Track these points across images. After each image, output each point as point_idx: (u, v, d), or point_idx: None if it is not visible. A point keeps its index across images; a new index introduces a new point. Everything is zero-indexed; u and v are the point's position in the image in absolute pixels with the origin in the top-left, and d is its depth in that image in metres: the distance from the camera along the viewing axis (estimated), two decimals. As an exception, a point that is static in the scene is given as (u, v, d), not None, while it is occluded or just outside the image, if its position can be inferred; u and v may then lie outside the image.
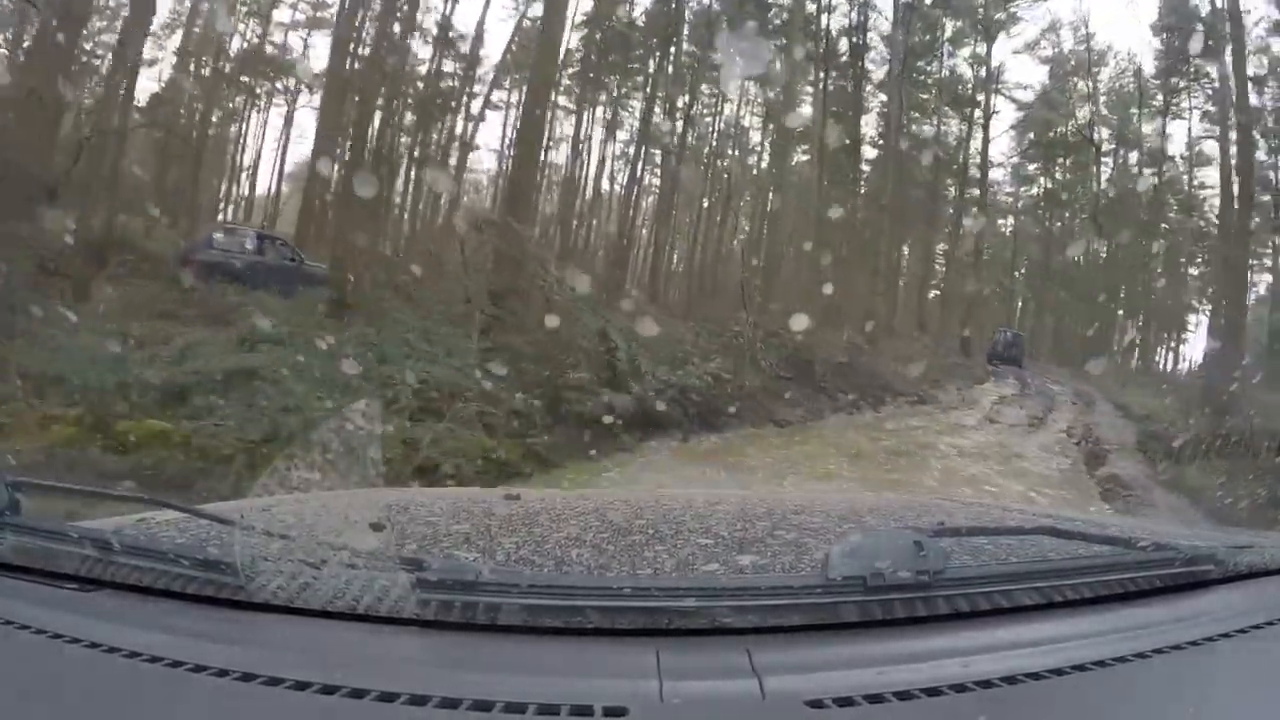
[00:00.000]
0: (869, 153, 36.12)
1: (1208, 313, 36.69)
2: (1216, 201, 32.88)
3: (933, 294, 41.16)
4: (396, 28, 25.45)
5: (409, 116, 31.30)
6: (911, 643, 1.24)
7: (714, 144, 37.40)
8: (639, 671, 1.12)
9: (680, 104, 34.19)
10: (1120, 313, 38.21)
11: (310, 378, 10.91)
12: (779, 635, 1.23)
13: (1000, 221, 39.64)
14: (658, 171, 35.91)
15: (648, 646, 1.18)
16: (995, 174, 39.00)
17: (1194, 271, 37.21)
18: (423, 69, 31.55)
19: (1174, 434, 16.51)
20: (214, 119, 32.35)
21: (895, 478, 12.76)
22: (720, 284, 33.44)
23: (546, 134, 29.59)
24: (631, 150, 34.95)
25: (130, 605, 1.34)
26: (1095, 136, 35.60)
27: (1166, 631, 1.30)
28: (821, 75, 33.69)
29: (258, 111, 33.25)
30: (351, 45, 24.45)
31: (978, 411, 22.07)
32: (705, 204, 38.19)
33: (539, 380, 13.07)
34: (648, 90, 33.97)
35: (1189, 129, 34.54)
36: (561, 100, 33.34)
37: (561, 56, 27.43)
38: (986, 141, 37.02)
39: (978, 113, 37.10)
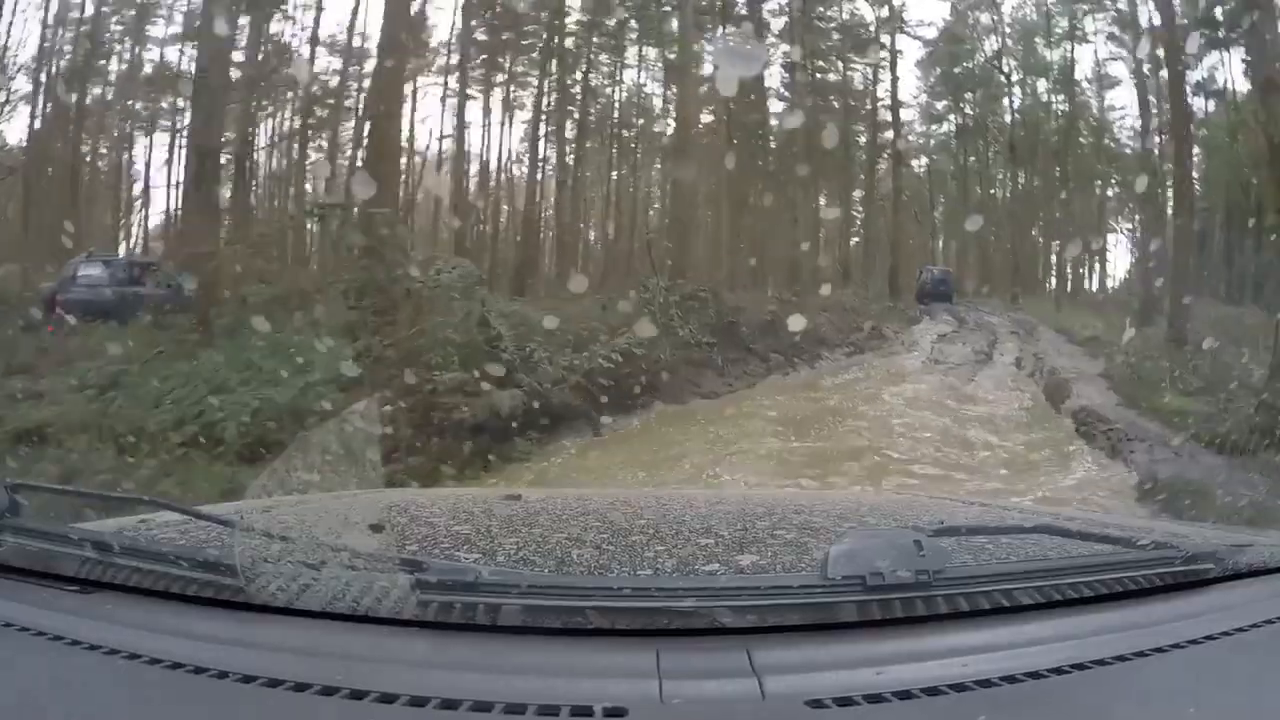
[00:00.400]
0: (776, 106, 35.35)
1: (1126, 231, 37.50)
2: (1126, 122, 33.92)
3: (854, 241, 40.59)
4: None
5: (289, 120, 30.26)
6: (911, 642, 1.24)
7: (616, 114, 36.18)
8: (639, 672, 1.12)
9: (578, 75, 33.31)
10: (1040, 240, 38.48)
11: (109, 431, 9.69)
12: (779, 635, 1.23)
13: (914, 162, 39.32)
14: (567, 149, 34.78)
15: (648, 647, 1.17)
16: (905, 114, 38.28)
17: (1109, 193, 37.27)
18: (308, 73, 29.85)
19: (1130, 355, 16.74)
20: (101, 148, 30.36)
21: (850, 444, 11.44)
22: (637, 256, 32.00)
23: (415, 111, 28.57)
24: (539, 130, 33.79)
25: (130, 607, 1.33)
26: (1004, 67, 35.49)
27: (1166, 630, 1.30)
28: (720, 31, 32.66)
29: (144, 134, 30.59)
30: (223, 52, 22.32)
31: (919, 354, 21.20)
32: (615, 176, 37.13)
33: (405, 389, 10.93)
34: (542, 64, 32.88)
35: (1095, 52, 34.28)
36: (458, 85, 32.11)
37: (414, 17, 25.64)
38: (895, 82, 36.30)
39: (883, 54, 36.36)
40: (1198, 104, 28.61)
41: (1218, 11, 27.06)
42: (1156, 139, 30.99)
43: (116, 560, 1.38)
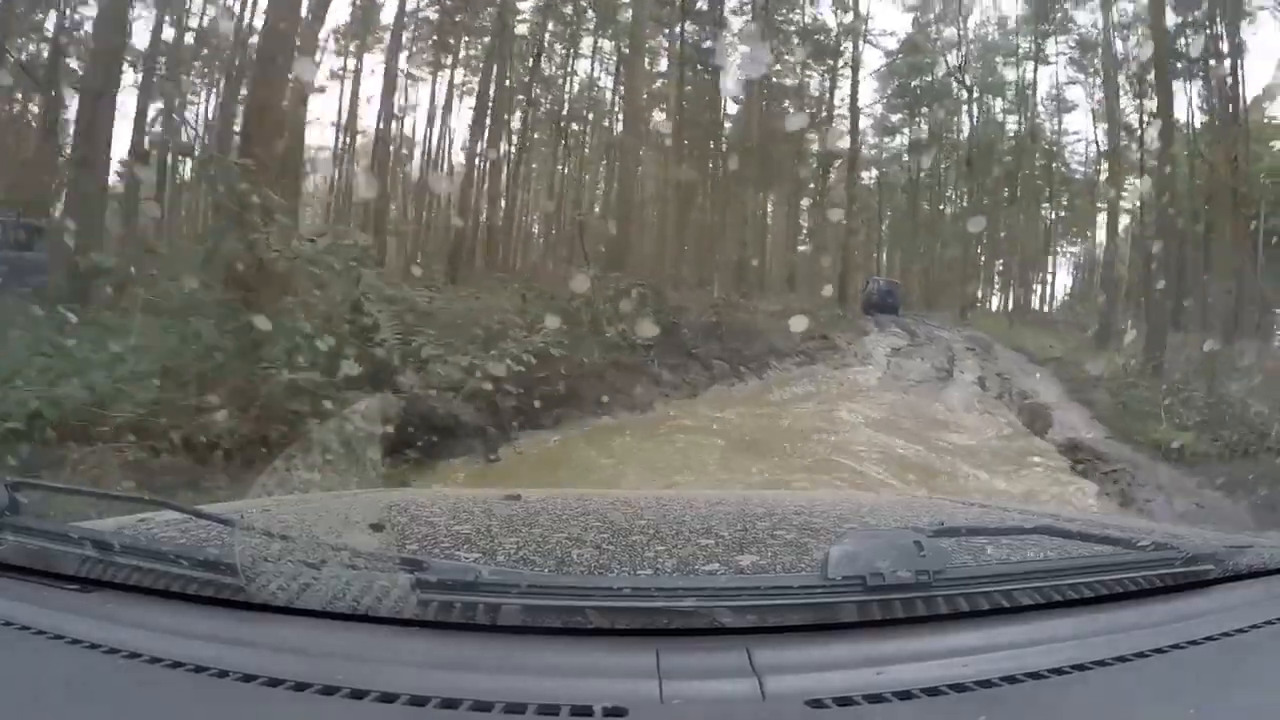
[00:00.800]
0: (731, 108, 35.32)
1: (1069, 254, 39.32)
2: (1079, 146, 35.45)
3: (801, 248, 40.82)
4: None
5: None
6: (911, 642, 1.24)
7: (567, 105, 35.71)
8: (639, 672, 1.12)
9: (529, 63, 32.47)
10: (985, 257, 39.10)
11: None
12: (779, 635, 1.23)
13: (864, 173, 39.43)
14: (512, 136, 34.04)
15: (648, 647, 1.18)
16: (860, 124, 38.40)
17: (1054, 215, 38.22)
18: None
19: (1106, 381, 16.04)
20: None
21: (815, 477, 9.73)
22: (579, 248, 31.17)
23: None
24: (485, 115, 32.78)
25: (131, 606, 1.34)
26: (965, 82, 35.72)
27: (1166, 631, 1.30)
28: (679, 27, 32.43)
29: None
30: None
31: (874, 367, 20.33)
32: (565, 169, 36.63)
33: (243, 387, 8.49)
34: (491, 49, 31.54)
35: (1056, 75, 34.91)
36: (410, 68, 32.03)
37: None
38: (855, 88, 36.24)
39: (842, 62, 36.49)
40: (1152, 133, 28.57)
41: (1181, 44, 27.08)
42: (1103, 164, 32.95)
43: (117, 559, 1.38)
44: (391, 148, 31.85)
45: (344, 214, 29.44)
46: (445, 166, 33.93)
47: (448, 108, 32.70)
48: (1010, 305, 38.20)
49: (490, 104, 30.90)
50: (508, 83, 30.82)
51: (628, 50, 28.89)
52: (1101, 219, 34.79)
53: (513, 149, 32.56)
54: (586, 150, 35.78)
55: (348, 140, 30.91)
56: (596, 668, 1.16)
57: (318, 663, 1.14)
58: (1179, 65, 27.20)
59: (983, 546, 1.64)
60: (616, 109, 34.10)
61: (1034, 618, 1.33)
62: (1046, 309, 37.68)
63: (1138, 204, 27.51)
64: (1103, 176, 33.79)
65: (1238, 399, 12.07)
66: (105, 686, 1.12)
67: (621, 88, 32.37)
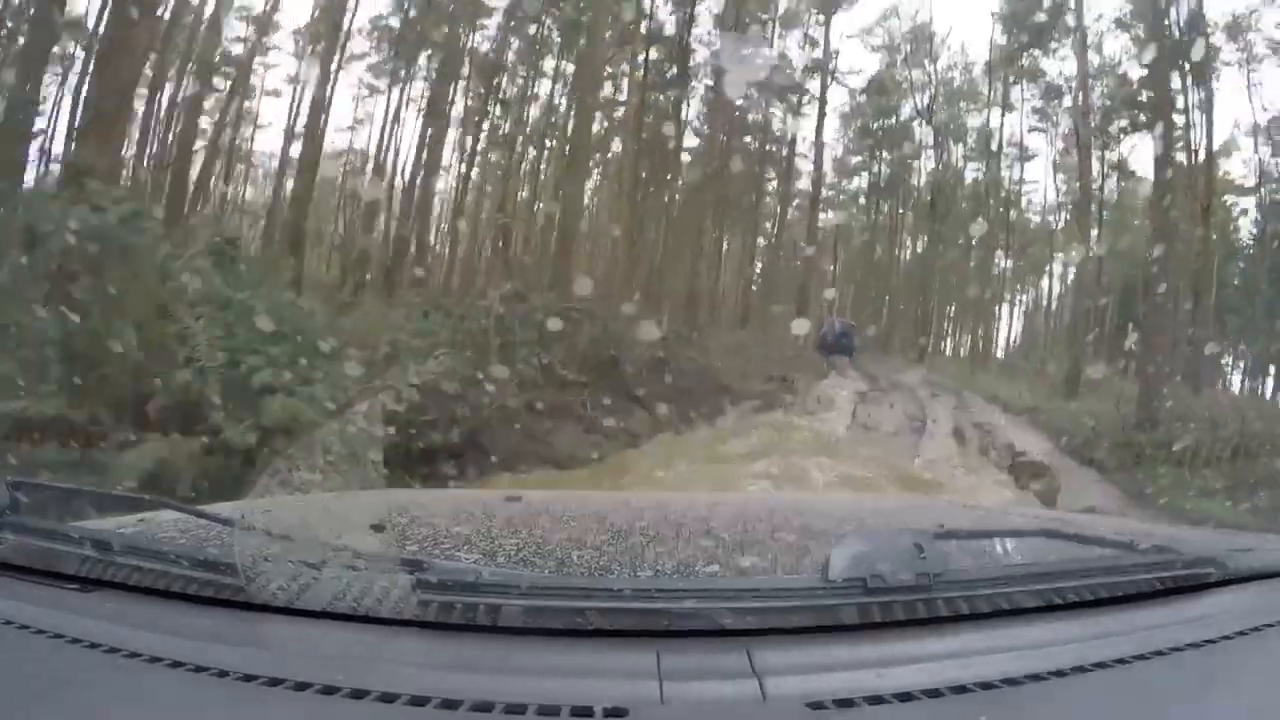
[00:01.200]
0: (691, 141, 34.15)
1: (1021, 301, 38.67)
2: (1036, 196, 35.28)
3: (754, 287, 39.62)
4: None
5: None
6: (912, 644, 1.25)
7: (526, 125, 33.68)
8: (639, 672, 1.13)
9: (494, 82, 31.21)
10: (938, 302, 38.64)
11: None
12: (779, 637, 1.24)
13: (823, 214, 38.43)
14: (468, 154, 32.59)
15: (648, 648, 1.18)
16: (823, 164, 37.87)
17: (1010, 264, 37.47)
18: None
19: (1105, 436, 14.59)
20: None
21: None
22: (521, 268, 29.15)
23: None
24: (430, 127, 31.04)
25: (131, 605, 1.34)
26: (926, 125, 35.29)
27: (1167, 633, 1.31)
28: (642, 54, 31.41)
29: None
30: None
31: (839, 415, 18.07)
32: (522, 194, 34.61)
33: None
34: (454, 63, 30.32)
35: (1020, 122, 34.47)
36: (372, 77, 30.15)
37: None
38: (821, 126, 34.98)
39: (807, 98, 35.33)
40: (1110, 184, 29.77)
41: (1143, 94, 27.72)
42: (1060, 213, 33.38)
43: (117, 558, 1.38)
44: (338, 159, 30.55)
45: (274, 225, 27.70)
46: (393, 180, 31.99)
47: (397, 120, 30.89)
48: (967, 350, 37.99)
49: (441, 119, 29.83)
50: (461, 99, 30.15)
51: (581, 66, 28.45)
52: (1058, 268, 35.75)
53: (463, 166, 31.41)
54: (542, 173, 34.17)
55: (288, 149, 28.71)
56: (597, 668, 1.17)
57: (318, 663, 1.15)
58: (1141, 116, 28.22)
59: (983, 549, 1.66)
60: (561, 130, 33.12)
61: (1035, 620, 1.34)
62: (1001, 355, 37.31)
63: (1092, 253, 27.75)
64: (1058, 226, 34.48)
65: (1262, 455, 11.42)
66: (105, 686, 1.13)
67: (570, 107, 31.42)
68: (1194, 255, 23.46)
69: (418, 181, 30.09)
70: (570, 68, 31.30)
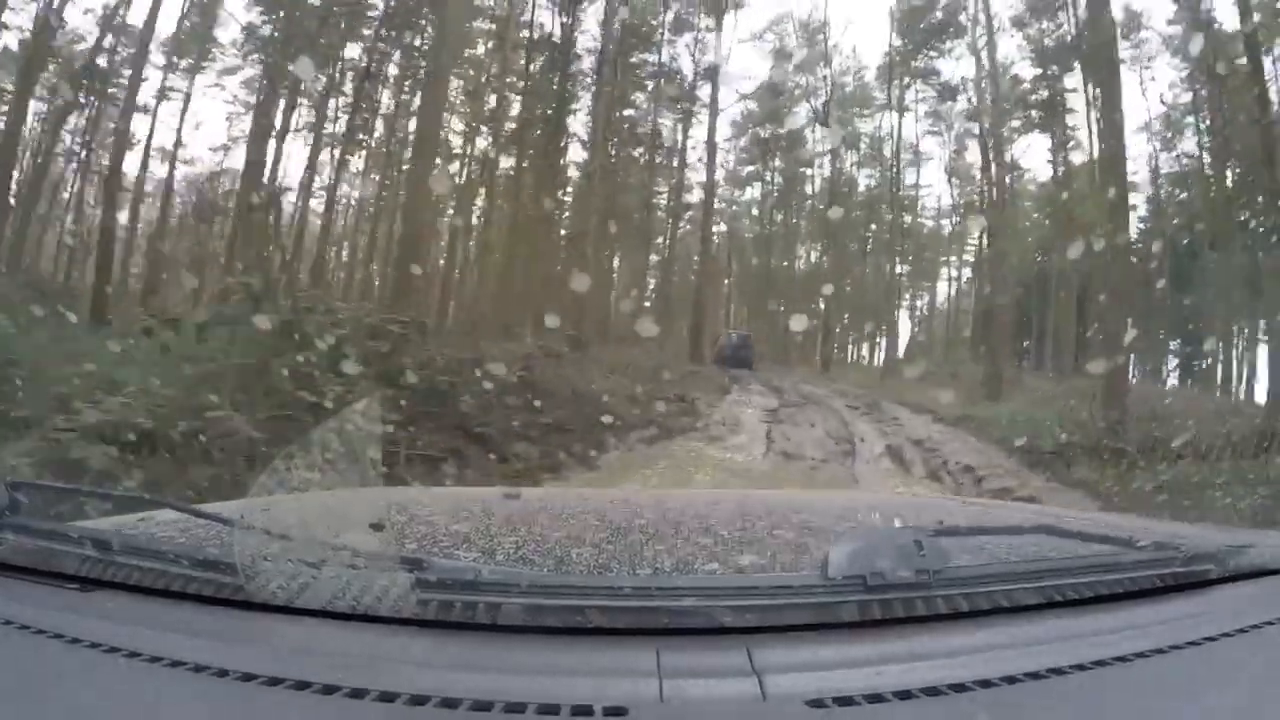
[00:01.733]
0: (580, 155, 32.89)
1: (920, 306, 38.99)
2: (929, 201, 35.84)
3: (647, 302, 38.87)
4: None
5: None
6: (911, 642, 1.24)
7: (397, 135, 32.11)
8: (639, 671, 1.13)
9: (361, 91, 30.07)
10: (833, 310, 38.09)
11: None
12: (779, 635, 1.23)
13: (716, 225, 37.73)
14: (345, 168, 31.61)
15: (648, 646, 1.18)
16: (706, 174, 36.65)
17: (905, 268, 38.01)
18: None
19: (1072, 445, 13.07)
20: None
21: None
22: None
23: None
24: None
25: (130, 605, 1.34)
26: (825, 128, 34.70)
27: (1167, 631, 1.31)
28: (529, 60, 31.21)
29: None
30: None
31: (752, 439, 15.08)
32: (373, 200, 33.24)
33: None
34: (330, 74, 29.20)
35: (915, 126, 34.79)
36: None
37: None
38: (713, 134, 33.76)
39: (698, 105, 34.48)
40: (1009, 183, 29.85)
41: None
42: (956, 216, 33.97)
43: (116, 558, 1.38)
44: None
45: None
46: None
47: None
48: (872, 357, 38.45)
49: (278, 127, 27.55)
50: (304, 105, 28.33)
51: (430, 74, 25.62)
52: (954, 271, 36.43)
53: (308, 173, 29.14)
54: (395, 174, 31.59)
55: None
56: (596, 667, 1.16)
57: (317, 662, 1.15)
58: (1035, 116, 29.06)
59: (983, 546, 1.66)
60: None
61: (1034, 617, 1.34)
62: (901, 359, 36.11)
63: (989, 254, 28.09)
64: (954, 228, 35.12)
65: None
66: (105, 685, 1.12)
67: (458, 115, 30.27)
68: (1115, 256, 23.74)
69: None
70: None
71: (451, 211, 30.39)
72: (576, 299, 25.20)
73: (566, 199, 31.75)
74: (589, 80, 31.47)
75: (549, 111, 31.25)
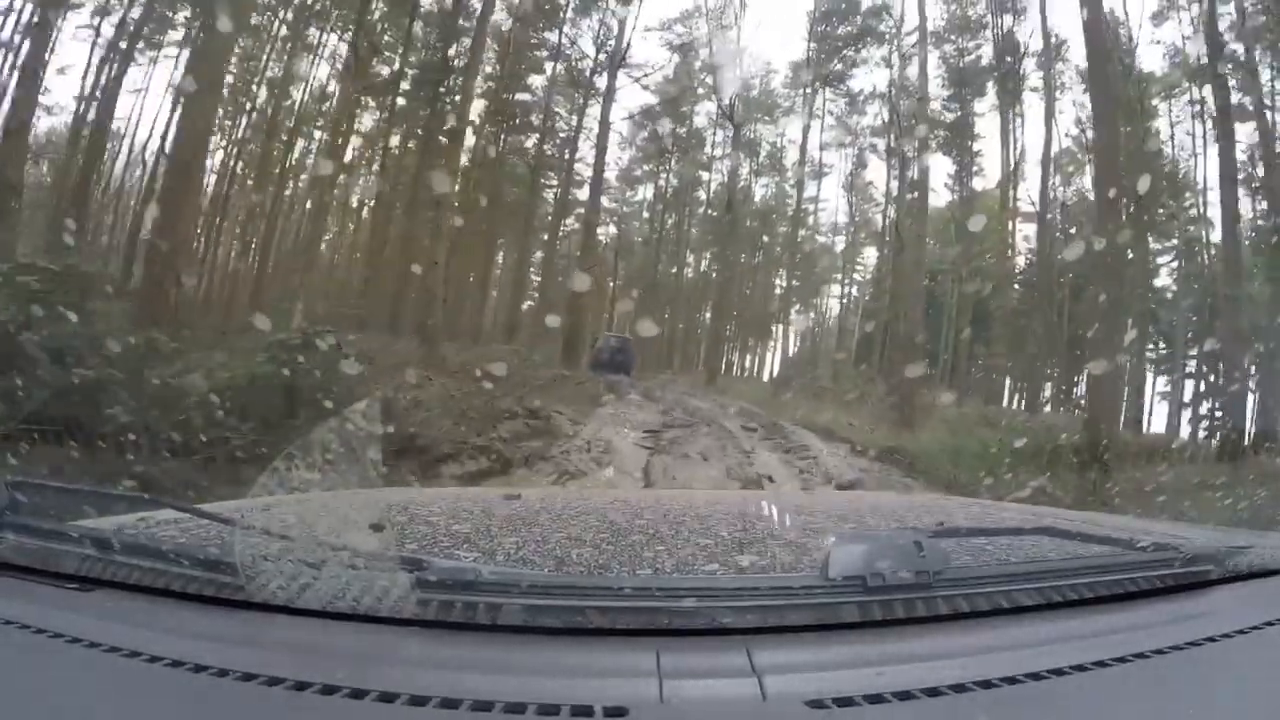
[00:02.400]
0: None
1: (813, 319, 36.83)
2: (825, 215, 34.50)
3: (527, 304, 36.09)
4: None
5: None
6: (911, 643, 1.25)
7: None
8: (639, 671, 1.13)
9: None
10: (722, 320, 36.17)
11: None
12: (779, 635, 1.24)
13: (600, 228, 34.82)
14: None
15: (648, 647, 1.18)
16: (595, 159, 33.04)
17: (795, 281, 36.48)
18: None
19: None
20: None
21: None
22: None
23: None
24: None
25: (130, 605, 1.34)
26: (731, 121, 32.84)
27: (1166, 632, 1.31)
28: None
29: None
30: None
31: (625, 475, 11.34)
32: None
33: None
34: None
35: (820, 137, 33.46)
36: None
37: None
38: (605, 130, 30.64)
39: (590, 95, 31.74)
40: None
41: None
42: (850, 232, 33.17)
43: (117, 558, 1.38)
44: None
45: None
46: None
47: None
48: (757, 369, 36.99)
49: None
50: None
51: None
52: (838, 288, 35.16)
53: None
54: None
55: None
56: (596, 667, 1.17)
57: (317, 662, 1.15)
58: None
59: (983, 547, 1.66)
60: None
61: (1034, 618, 1.34)
62: (789, 374, 34.05)
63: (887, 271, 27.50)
64: (849, 241, 34.19)
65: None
66: (105, 685, 1.13)
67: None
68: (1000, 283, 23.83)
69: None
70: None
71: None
72: (429, 291, 22.22)
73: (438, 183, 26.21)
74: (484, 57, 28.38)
75: (415, 77, 28.37)
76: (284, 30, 27.38)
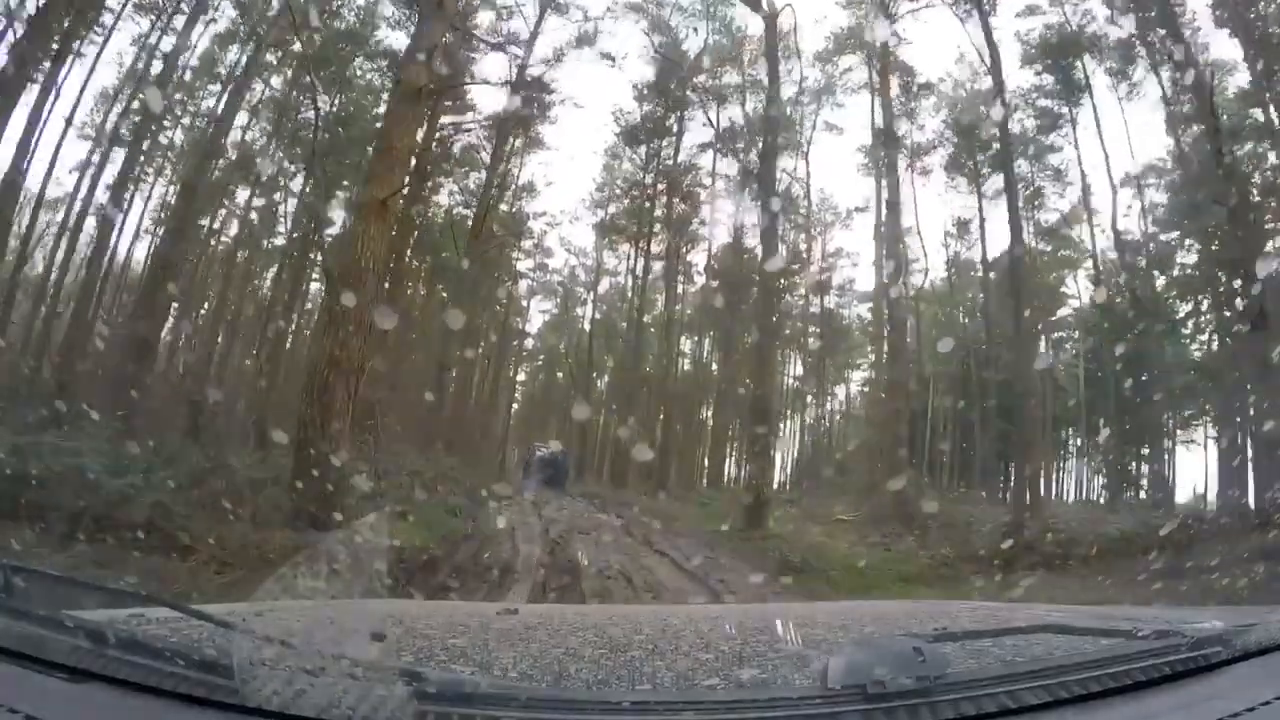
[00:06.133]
0: None
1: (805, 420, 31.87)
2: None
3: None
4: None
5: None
6: None
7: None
8: None
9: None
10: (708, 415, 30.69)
11: None
12: None
13: (582, 308, 30.81)
14: None
15: None
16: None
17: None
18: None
19: None
20: None
21: None
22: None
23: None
24: None
25: (122, 701, 1.31)
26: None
27: (1181, 717, 1.30)
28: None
29: None
30: None
31: None
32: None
33: None
34: None
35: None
36: None
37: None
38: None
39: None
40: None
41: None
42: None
43: (109, 651, 1.36)
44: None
45: None
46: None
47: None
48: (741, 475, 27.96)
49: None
50: None
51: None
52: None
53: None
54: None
55: None
56: None
57: None
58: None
59: (985, 648, 1.64)
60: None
61: (1042, 717, 1.32)
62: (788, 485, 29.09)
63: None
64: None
65: None
66: None
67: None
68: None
69: None
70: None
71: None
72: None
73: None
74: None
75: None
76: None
